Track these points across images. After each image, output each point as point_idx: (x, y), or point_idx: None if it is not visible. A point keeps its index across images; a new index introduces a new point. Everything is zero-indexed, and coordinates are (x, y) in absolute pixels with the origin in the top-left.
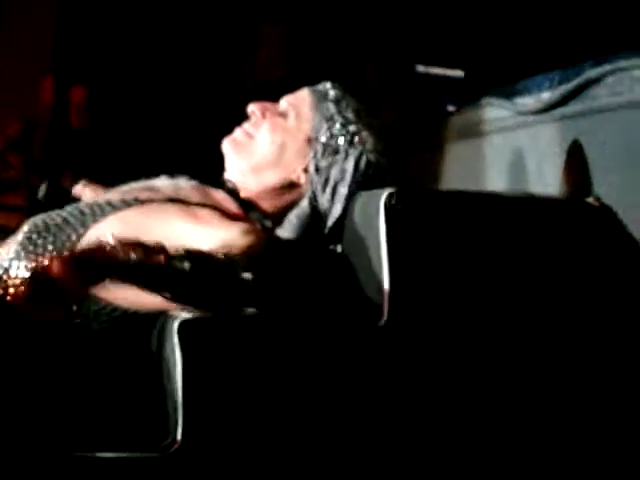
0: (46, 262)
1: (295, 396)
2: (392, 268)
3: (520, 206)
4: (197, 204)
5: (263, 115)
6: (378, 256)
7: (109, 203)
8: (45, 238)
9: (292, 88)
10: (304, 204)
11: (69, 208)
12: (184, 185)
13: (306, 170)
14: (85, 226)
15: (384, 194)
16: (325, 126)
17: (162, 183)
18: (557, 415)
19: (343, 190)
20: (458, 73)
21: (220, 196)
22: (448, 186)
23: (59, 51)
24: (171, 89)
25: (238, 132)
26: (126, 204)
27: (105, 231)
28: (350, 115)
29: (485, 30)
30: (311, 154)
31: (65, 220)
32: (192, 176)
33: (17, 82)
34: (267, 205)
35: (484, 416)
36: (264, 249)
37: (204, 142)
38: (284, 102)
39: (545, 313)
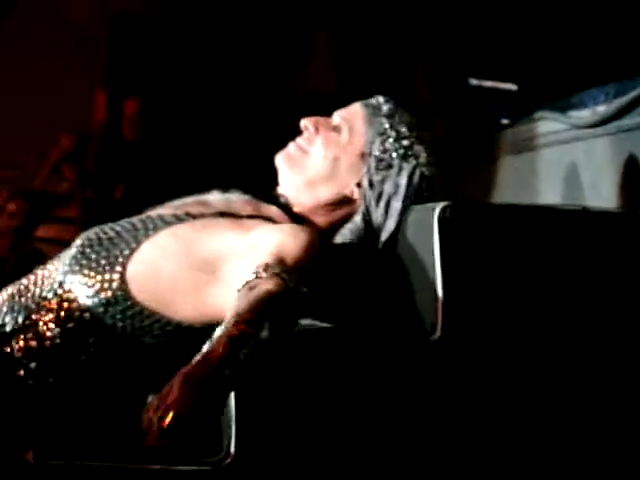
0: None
1: (348, 411)
2: (446, 282)
3: (574, 219)
4: (249, 217)
5: (316, 130)
6: (432, 270)
7: (161, 218)
8: (98, 252)
9: (342, 101)
10: (357, 219)
11: (122, 222)
12: (236, 199)
13: (359, 185)
14: (137, 241)
15: (438, 208)
16: (378, 140)
17: (214, 197)
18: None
19: (397, 204)
20: (511, 86)
21: (272, 210)
22: (501, 200)
23: (112, 64)
24: (223, 100)
25: (291, 147)
26: (178, 219)
27: (158, 246)
28: (403, 129)
29: (539, 43)
30: (364, 169)
31: (118, 234)
32: (244, 188)
33: (71, 96)
34: (320, 220)
35: (540, 426)
36: (317, 247)
37: (255, 153)
38: (337, 117)
39: (598, 326)
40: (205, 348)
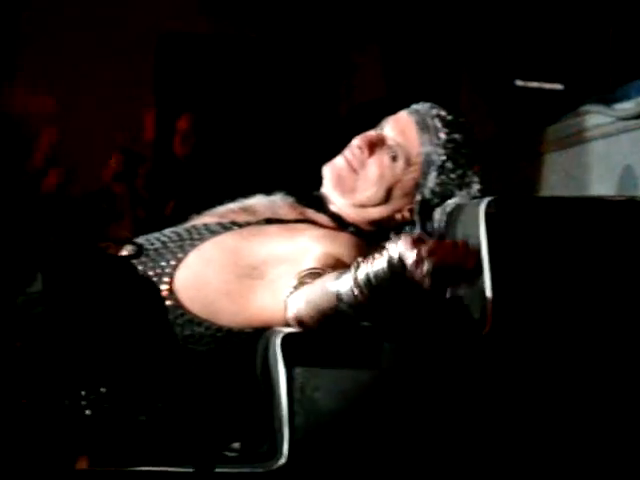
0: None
1: (402, 408)
2: (494, 276)
3: (623, 210)
4: (296, 221)
5: (371, 151)
6: (479, 264)
7: (207, 227)
8: (145, 264)
9: (388, 109)
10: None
11: (167, 232)
12: (281, 203)
13: (411, 210)
14: (184, 251)
15: (484, 202)
16: (435, 173)
17: (258, 202)
18: None
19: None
20: (557, 86)
21: (318, 216)
22: (550, 195)
23: (159, 83)
24: (270, 115)
25: (342, 165)
26: (224, 228)
27: (204, 256)
28: (461, 160)
29: (582, 41)
30: (418, 197)
31: (164, 245)
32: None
33: (121, 118)
34: (368, 229)
35: (587, 419)
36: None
37: (303, 168)
38: (392, 140)
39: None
40: None
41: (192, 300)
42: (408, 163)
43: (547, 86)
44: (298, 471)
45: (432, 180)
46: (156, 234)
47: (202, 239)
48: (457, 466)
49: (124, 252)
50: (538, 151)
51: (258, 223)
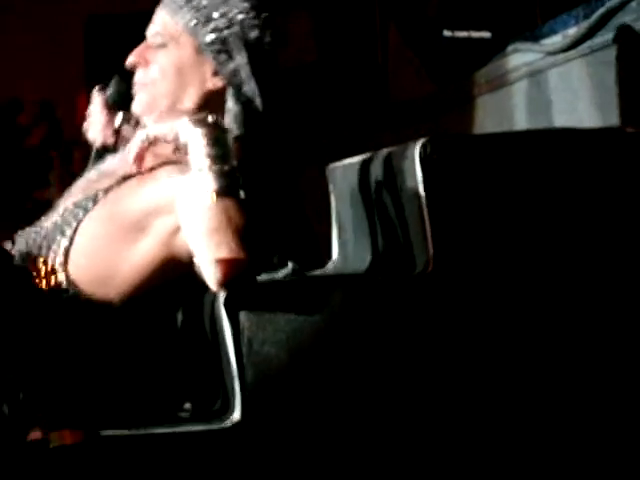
0: None
1: (351, 353)
2: (432, 217)
3: (556, 140)
4: (151, 169)
5: (146, 61)
6: (417, 206)
7: (77, 205)
8: (36, 258)
9: (322, 71)
10: (230, 105)
11: (44, 224)
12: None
13: (216, 72)
14: (65, 235)
15: (418, 144)
16: (199, 27)
17: (111, 162)
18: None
19: (252, 67)
20: (484, 34)
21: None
22: None
23: (90, 67)
24: None
25: (137, 90)
26: (92, 200)
27: (88, 234)
28: (207, 1)
29: None
30: (209, 57)
31: (45, 237)
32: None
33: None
34: None
35: (532, 362)
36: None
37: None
38: (152, 37)
39: (586, 247)
40: None
41: (93, 282)
42: (177, 41)
43: (475, 34)
44: (252, 426)
45: (203, 34)
46: (35, 227)
47: (77, 218)
48: (405, 410)
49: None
50: (470, 96)
51: (118, 183)
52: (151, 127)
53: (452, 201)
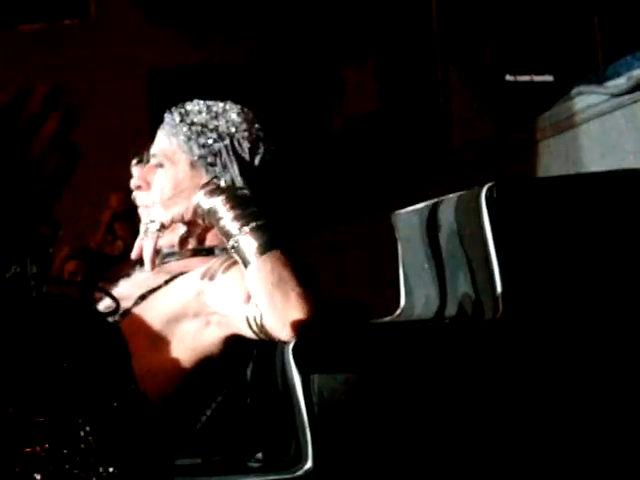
0: None
1: (419, 402)
2: (501, 261)
3: (623, 181)
4: (165, 282)
5: (147, 184)
6: (485, 251)
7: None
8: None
9: (386, 119)
10: None
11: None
12: (142, 277)
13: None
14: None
15: (484, 188)
16: (191, 143)
17: (122, 288)
18: None
19: (244, 179)
20: (547, 78)
21: (172, 265)
22: None
23: (154, 120)
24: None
25: (142, 216)
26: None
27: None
28: (197, 117)
29: (569, 31)
30: (203, 171)
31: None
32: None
33: (121, 155)
34: (211, 236)
35: (594, 410)
36: None
37: (302, 190)
38: (152, 158)
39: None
40: None
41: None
42: (172, 160)
43: (537, 78)
44: (324, 474)
45: (196, 150)
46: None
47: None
48: (474, 461)
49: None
50: (534, 140)
51: (136, 304)
52: (161, 214)
53: (519, 244)
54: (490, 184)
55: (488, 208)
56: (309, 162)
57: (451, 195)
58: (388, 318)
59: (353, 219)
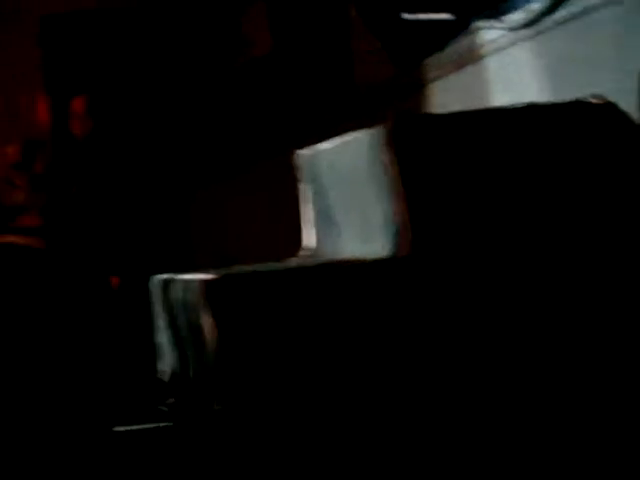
0: None
1: (325, 342)
2: (410, 197)
3: (526, 116)
4: None
5: None
6: (395, 188)
7: None
8: None
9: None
10: None
11: None
12: None
13: None
14: None
15: (390, 126)
16: None
17: None
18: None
19: None
20: (447, 16)
21: None
22: None
23: (48, 66)
24: (162, 84)
25: None
26: None
27: None
28: None
29: None
30: None
31: None
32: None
33: (12, 106)
34: None
35: (515, 344)
36: None
37: (205, 129)
38: None
39: (559, 223)
40: None
41: None
42: None
43: (437, 16)
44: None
45: None
46: None
47: None
48: (381, 402)
49: None
50: (435, 77)
51: None
52: None
53: (428, 181)
54: (396, 121)
55: (395, 145)
56: (211, 105)
57: (356, 133)
58: (298, 259)
59: (257, 160)
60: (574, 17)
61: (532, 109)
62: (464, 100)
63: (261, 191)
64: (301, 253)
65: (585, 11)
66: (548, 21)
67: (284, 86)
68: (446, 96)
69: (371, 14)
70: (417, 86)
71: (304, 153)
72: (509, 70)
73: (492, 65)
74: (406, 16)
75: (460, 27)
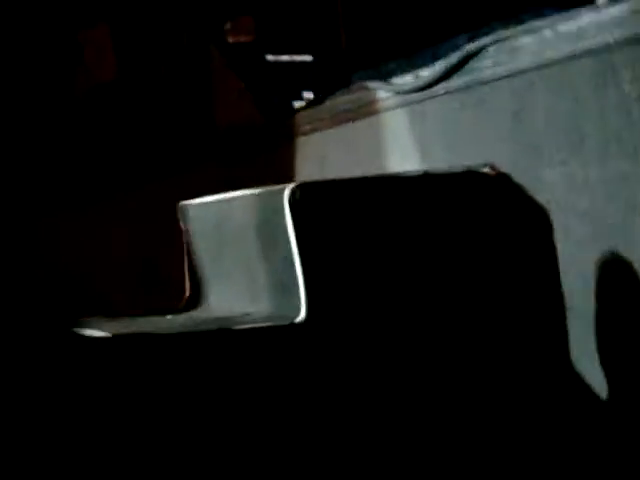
0: None
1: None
2: (304, 263)
3: (421, 184)
4: None
5: None
6: (288, 252)
7: None
8: None
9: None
10: None
11: None
12: None
13: None
14: None
15: (287, 190)
16: None
17: None
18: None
19: None
20: (307, 58)
21: None
22: (332, 174)
23: None
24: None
25: None
26: None
27: None
28: None
29: (330, 12)
30: None
31: None
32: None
33: None
34: None
35: (410, 403)
36: None
37: (45, 154)
38: None
39: (459, 286)
40: None
41: None
42: None
43: (298, 58)
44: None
45: None
46: None
47: None
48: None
49: None
50: (313, 129)
51: None
52: None
53: (322, 247)
54: (293, 185)
55: (291, 209)
56: (51, 132)
57: (246, 192)
58: (170, 316)
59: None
60: (467, 87)
61: (427, 178)
62: (346, 155)
63: (115, 225)
64: (187, 305)
65: (477, 82)
66: (439, 88)
67: (132, 115)
68: (325, 149)
69: (232, 53)
70: (289, 136)
71: (190, 204)
72: (392, 132)
73: (379, 123)
74: (269, 58)
75: (341, 83)
